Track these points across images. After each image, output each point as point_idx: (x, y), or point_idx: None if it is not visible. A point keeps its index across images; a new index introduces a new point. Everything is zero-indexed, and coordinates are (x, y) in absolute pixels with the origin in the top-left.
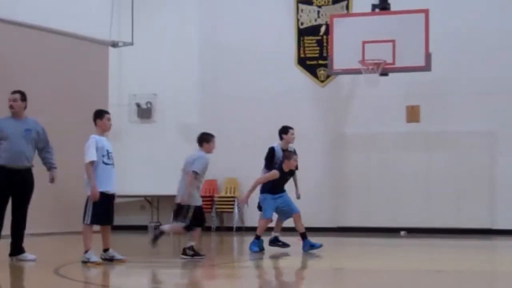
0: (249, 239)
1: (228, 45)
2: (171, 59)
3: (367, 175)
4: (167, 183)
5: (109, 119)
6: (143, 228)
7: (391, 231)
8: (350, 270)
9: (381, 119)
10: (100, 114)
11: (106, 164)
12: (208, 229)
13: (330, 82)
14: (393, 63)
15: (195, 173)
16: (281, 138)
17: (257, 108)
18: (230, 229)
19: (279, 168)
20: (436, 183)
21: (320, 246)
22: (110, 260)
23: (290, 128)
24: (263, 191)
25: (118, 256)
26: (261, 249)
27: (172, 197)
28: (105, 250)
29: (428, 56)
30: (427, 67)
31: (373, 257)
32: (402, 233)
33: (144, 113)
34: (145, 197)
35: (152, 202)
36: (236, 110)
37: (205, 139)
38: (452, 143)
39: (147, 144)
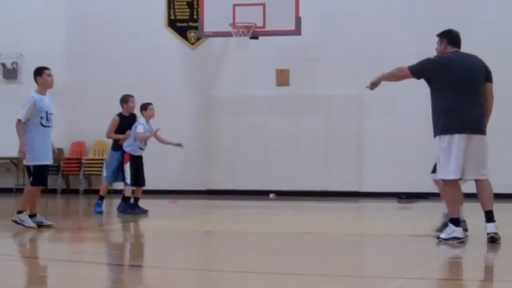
0: (117, 201)
1: (97, 5)
2: (38, 19)
3: (237, 138)
4: None
5: (49, 75)
6: (8, 191)
7: (261, 194)
8: (220, 233)
9: (251, 83)
10: (39, 72)
11: (45, 126)
12: (76, 192)
13: (200, 44)
14: (264, 27)
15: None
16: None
17: (126, 70)
18: (97, 191)
19: None
20: (305, 146)
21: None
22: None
23: (149, 104)
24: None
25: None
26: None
27: None
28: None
29: (298, 21)
30: (296, 31)
31: (243, 220)
32: (271, 196)
33: (10, 73)
34: (10, 159)
35: (18, 164)
36: (104, 72)
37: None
38: (321, 107)
39: (12, 105)
